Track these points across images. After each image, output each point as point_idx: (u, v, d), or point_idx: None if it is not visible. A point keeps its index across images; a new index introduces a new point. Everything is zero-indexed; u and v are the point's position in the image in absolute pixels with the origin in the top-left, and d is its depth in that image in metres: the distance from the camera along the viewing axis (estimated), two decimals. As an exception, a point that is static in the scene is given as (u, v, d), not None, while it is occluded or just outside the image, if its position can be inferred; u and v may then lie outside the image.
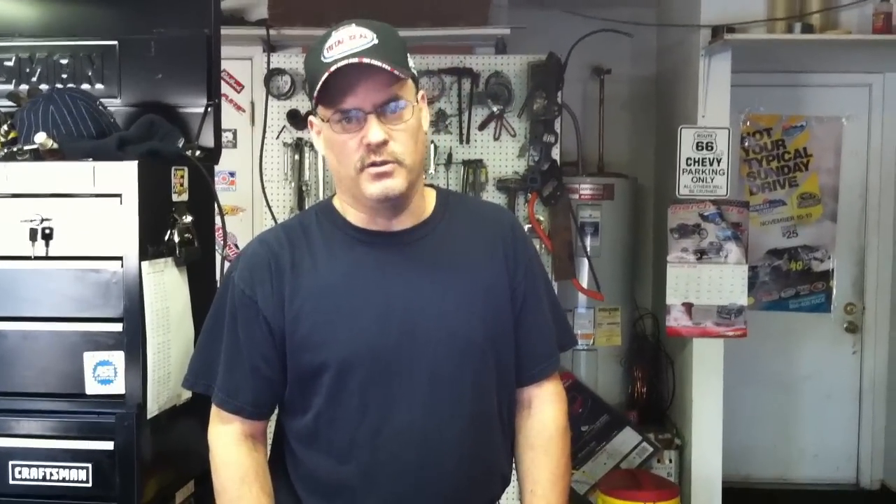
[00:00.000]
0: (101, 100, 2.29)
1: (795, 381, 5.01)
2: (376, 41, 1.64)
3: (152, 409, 2.05)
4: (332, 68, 1.59)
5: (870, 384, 4.97)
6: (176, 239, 2.15)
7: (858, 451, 5.03)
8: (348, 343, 1.70)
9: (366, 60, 1.59)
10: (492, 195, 4.04)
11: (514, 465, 1.91)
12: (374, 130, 1.62)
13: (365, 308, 1.71)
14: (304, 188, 4.01)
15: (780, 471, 5.04)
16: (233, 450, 1.77)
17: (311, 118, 1.76)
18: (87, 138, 2.14)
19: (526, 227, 3.97)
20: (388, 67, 1.60)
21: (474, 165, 4.02)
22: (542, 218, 4.05)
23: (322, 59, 1.63)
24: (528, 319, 1.85)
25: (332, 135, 1.67)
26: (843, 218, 4.90)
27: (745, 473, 4.97)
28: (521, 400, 1.89)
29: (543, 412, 1.89)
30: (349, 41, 1.63)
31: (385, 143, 1.63)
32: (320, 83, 1.61)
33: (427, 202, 1.82)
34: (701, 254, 4.10)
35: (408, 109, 1.67)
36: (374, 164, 1.64)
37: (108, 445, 2.01)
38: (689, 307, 4.11)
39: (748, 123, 4.84)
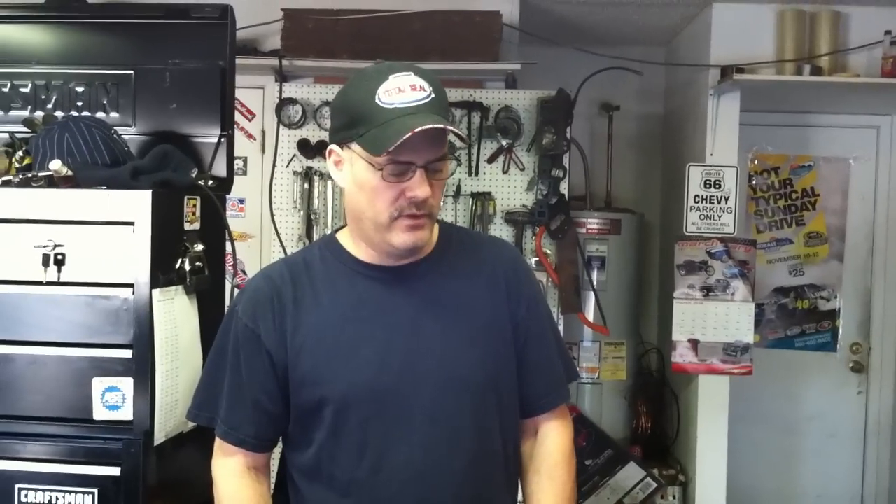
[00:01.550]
0: (116, 128, 2.31)
1: (800, 419, 4.99)
2: (433, 95, 1.64)
3: (159, 436, 2.05)
4: (417, 129, 1.56)
5: (875, 425, 4.94)
6: (187, 267, 2.16)
7: (862, 492, 4.98)
8: (349, 380, 1.71)
9: (450, 128, 1.60)
10: (499, 228, 4.06)
11: (518, 497, 1.92)
12: (424, 186, 1.64)
13: (366, 345, 1.72)
14: (312, 216, 4.03)
15: (784, 510, 5.00)
16: (236, 481, 1.78)
17: (333, 147, 1.74)
18: (101, 166, 2.16)
19: (533, 260, 3.99)
20: (461, 135, 1.62)
21: (483, 198, 4.05)
22: (549, 251, 4.06)
23: (379, 102, 1.61)
24: (533, 353, 1.86)
25: (370, 177, 1.65)
26: (849, 258, 4.89)
27: (748, 512, 4.94)
28: (527, 429, 1.90)
29: (548, 438, 1.89)
30: (410, 92, 1.62)
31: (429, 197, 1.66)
32: (401, 140, 1.56)
33: (432, 236, 1.83)
34: (707, 290, 4.10)
35: (447, 164, 1.69)
36: (412, 216, 1.66)
37: (115, 471, 2.01)
38: (694, 343, 4.11)
39: (756, 162, 4.85)
